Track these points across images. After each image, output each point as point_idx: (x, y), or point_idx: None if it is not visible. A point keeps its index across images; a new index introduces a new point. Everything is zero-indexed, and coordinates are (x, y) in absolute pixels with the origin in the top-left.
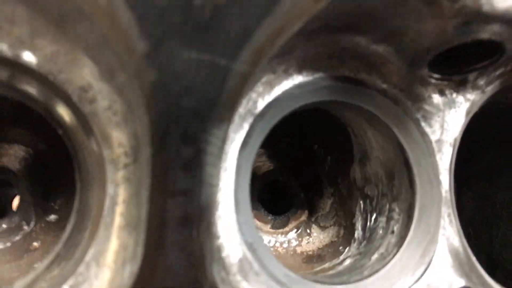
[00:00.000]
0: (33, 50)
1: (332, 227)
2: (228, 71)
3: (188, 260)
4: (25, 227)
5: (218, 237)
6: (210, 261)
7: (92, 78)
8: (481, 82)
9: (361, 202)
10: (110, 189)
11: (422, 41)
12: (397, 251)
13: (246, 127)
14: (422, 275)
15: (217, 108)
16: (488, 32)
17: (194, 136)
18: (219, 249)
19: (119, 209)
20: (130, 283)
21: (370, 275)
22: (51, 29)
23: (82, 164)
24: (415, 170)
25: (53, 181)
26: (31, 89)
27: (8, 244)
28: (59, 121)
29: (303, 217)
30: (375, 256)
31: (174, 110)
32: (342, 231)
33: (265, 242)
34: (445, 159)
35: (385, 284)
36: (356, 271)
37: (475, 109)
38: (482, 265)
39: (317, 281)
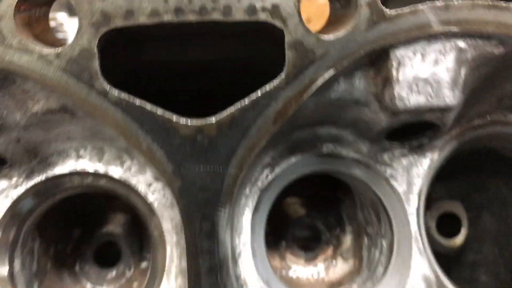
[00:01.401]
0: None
1: (351, 258)
2: (224, 175)
3: None
4: (127, 273)
5: (240, 277)
6: None
7: (152, 179)
8: (437, 143)
9: (365, 239)
10: (168, 251)
11: (371, 127)
12: (382, 278)
13: (256, 198)
14: None
15: (220, 197)
16: (416, 117)
17: (209, 216)
18: (241, 286)
19: (174, 263)
20: None
21: None
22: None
23: (152, 233)
24: (391, 214)
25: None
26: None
27: (117, 285)
28: (136, 206)
29: (330, 252)
30: (369, 282)
31: (194, 202)
32: (357, 262)
33: (299, 274)
34: (412, 206)
35: None
36: None
37: (438, 163)
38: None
39: None
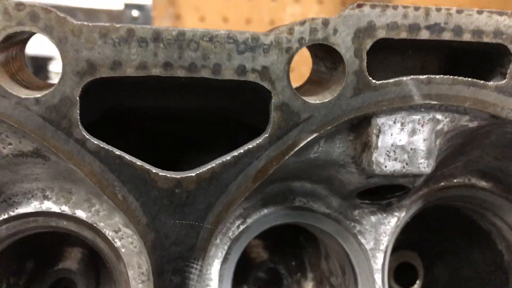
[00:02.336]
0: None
1: None
2: (199, 229)
3: None
4: None
5: None
6: None
7: (120, 225)
8: (405, 202)
9: None
10: None
11: (345, 185)
12: None
13: (226, 248)
14: None
15: (194, 252)
16: (390, 181)
17: (180, 270)
18: None
19: None
20: None
21: None
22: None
23: (116, 279)
24: (357, 270)
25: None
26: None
27: None
28: (101, 250)
29: None
30: None
31: (166, 255)
32: None
33: None
34: (378, 263)
35: None
36: None
37: (404, 222)
38: None
39: None
